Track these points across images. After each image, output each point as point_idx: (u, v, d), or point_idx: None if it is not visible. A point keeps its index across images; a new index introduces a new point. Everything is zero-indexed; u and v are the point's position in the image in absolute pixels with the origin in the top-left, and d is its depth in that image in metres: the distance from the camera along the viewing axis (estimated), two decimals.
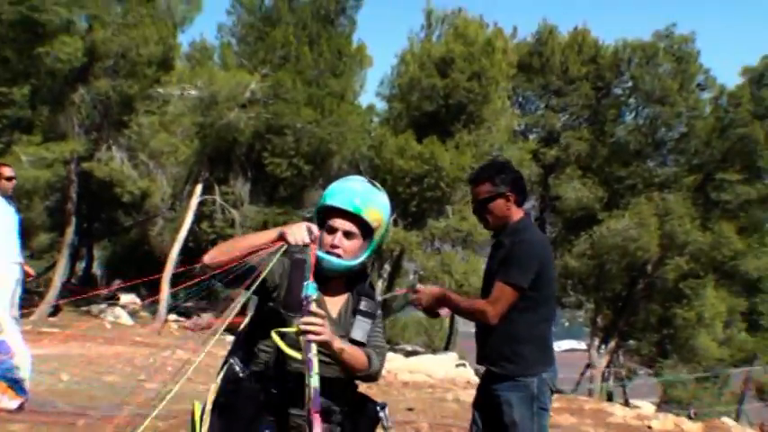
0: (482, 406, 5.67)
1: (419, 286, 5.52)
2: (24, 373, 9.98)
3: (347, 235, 4.02)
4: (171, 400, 3.92)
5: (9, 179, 11.68)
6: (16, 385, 9.72)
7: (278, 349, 3.80)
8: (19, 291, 11.87)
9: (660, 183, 38.88)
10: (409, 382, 16.26)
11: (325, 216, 4.05)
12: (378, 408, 4.12)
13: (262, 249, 3.84)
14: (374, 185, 4.07)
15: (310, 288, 3.76)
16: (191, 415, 4.00)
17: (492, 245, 5.69)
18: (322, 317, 3.73)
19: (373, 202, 4.03)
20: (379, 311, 4.25)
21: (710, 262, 37.90)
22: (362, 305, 4.13)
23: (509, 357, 5.36)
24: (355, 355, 3.94)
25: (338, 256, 4.02)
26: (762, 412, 38.87)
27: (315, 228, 3.88)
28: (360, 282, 4.19)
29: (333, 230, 4.01)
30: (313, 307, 3.73)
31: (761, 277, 40.40)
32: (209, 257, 3.92)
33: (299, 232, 3.81)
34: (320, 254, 3.97)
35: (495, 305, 5.21)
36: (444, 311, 5.55)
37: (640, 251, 35.92)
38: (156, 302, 29.30)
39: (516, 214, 5.50)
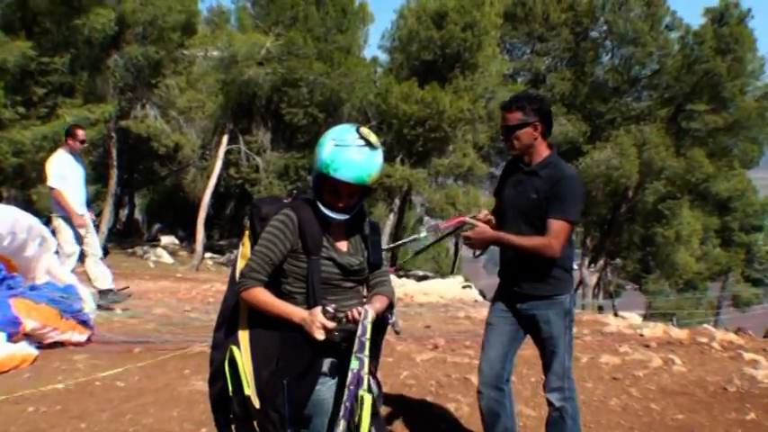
0: (502, 321, 5.64)
1: (474, 231, 5.41)
2: (90, 310, 10.12)
3: (350, 195, 4.01)
4: None
5: (82, 142, 12.08)
6: (83, 322, 9.85)
7: (308, 294, 4.03)
8: (93, 232, 12.29)
9: (636, 116, 39.06)
10: (424, 303, 16.26)
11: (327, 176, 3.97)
12: (388, 316, 4.16)
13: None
14: (369, 144, 3.94)
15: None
16: (228, 360, 4.03)
17: (522, 172, 5.47)
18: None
19: (374, 169, 3.97)
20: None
21: (685, 185, 38.30)
22: (369, 229, 4.25)
23: (546, 279, 5.36)
24: (386, 305, 4.13)
25: (344, 212, 4.04)
26: (736, 321, 39.14)
27: (326, 323, 3.86)
28: (358, 213, 4.18)
29: (337, 192, 3.98)
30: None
31: (730, 197, 40.76)
32: (247, 297, 4.03)
33: (318, 332, 3.86)
34: (327, 212, 4.01)
35: (557, 239, 5.15)
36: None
37: (622, 178, 36.05)
38: (193, 242, 29.60)
39: (543, 146, 5.39)
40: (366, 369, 3.82)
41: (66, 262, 11.75)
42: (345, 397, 3.78)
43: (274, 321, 3.96)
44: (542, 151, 5.38)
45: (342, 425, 3.74)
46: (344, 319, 3.90)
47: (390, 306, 4.20)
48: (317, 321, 3.83)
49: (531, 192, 5.30)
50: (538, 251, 5.20)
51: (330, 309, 3.87)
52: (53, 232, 11.05)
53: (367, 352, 3.84)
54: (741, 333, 11.95)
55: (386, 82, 33.38)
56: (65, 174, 11.80)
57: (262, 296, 3.98)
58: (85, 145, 12.23)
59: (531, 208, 5.30)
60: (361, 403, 3.77)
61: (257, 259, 4.01)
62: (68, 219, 11.77)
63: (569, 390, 5.42)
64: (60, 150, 12.13)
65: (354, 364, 3.82)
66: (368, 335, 3.86)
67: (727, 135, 39.18)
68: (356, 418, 3.76)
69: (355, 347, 3.85)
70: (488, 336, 5.67)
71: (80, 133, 12.17)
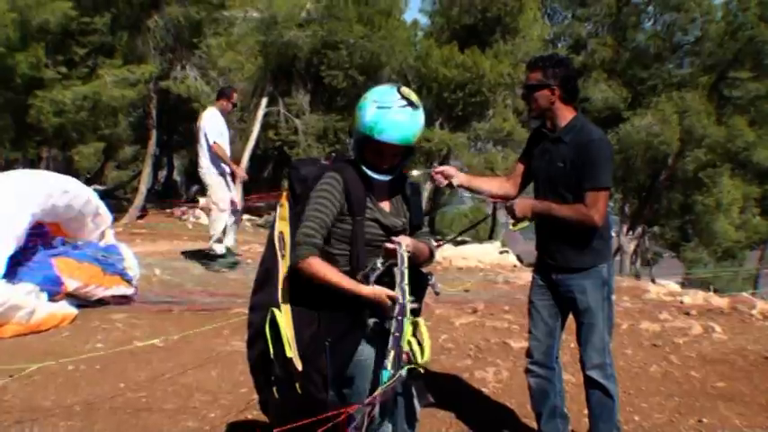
0: (542, 297, 5.44)
1: (514, 202, 5.17)
2: (133, 271, 10.26)
3: (394, 155, 3.99)
4: None
5: (234, 105, 12.55)
6: (127, 281, 9.98)
7: (351, 255, 4.04)
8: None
9: (678, 82, 38.42)
10: (463, 267, 16.24)
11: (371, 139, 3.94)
12: (428, 277, 4.13)
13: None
14: (411, 103, 3.92)
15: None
16: (269, 322, 3.95)
17: (547, 140, 5.23)
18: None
19: (418, 129, 3.96)
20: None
21: (726, 153, 37.65)
22: (410, 190, 4.25)
23: (583, 250, 5.13)
24: (426, 256, 4.18)
25: (387, 173, 4.02)
26: None
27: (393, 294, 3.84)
28: (400, 174, 4.17)
29: (381, 153, 3.96)
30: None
31: None
32: (307, 270, 3.91)
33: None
34: (371, 173, 3.99)
35: (596, 209, 4.91)
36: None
37: (662, 145, 35.57)
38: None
39: (564, 110, 5.14)
40: (408, 298, 3.79)
41: (221, 217, 12.48)
42: (393, 328, 3.76)
43: (313, 283, 3.91)
44: (566, 115, 5.15)
45: (392, 354, 3.71)
46: (385, 261, 3.91)
47: (431, 256, 4.21)
48: (384, 295, 3.82)
49: (558, 160, 5.10)
50: (578, 222, 5.00)
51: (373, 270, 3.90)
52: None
53: (407, 281, 3.81)
54: None
55: (426, 45, 33.20)
56: (222, 130, 12.25)
57: (323, 269, 3.91)
58: (236, 108, 12.74)
59: (558, 177, 5.10)
60: (415, 328, 3.81)
61: (312, 224, 3.95)
62: (223, 174, 12.25)
63: (610, 366, 5.20)
64: (213, 108, 12.57)
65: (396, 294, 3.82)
66: (405, 264, 3.84)
67: None
68: (405, 345, 3.76)
69: (397, 279, 3.83)
70: (532, 314, 5.51)
71: (235, 96, 12.81)
